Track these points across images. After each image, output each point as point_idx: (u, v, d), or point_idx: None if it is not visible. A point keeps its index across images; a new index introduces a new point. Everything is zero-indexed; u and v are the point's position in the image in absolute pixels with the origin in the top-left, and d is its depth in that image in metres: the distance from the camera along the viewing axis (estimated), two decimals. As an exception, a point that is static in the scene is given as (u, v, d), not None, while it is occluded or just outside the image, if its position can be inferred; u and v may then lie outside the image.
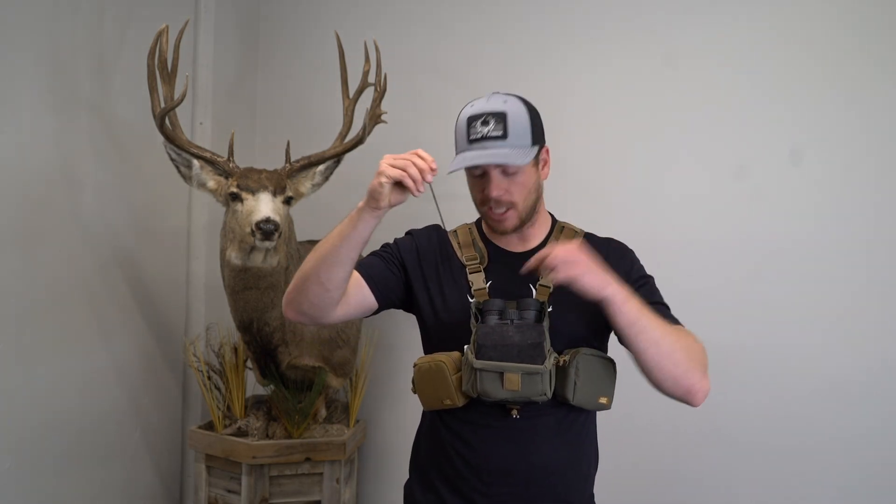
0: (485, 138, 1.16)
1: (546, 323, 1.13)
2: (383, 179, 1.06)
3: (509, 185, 1.20)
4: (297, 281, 1.18)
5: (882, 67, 1.80)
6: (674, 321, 1.19)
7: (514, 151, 1.16)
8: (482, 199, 1.23)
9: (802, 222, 1.87)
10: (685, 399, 1.12)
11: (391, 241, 1.36)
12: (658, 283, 1.28)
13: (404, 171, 1.06)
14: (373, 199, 1.08)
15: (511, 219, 1.22)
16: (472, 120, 1.18)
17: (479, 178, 1.22)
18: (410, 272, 1.30)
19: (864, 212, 1.81)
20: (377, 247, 1.34)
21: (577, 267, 1.06)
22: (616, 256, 1.26)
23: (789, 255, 1.88)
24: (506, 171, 1.19)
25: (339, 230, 1.12)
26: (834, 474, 1.82)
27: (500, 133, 1.16)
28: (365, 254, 1.28)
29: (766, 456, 1.89)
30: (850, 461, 1.81)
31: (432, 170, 1.08)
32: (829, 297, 1.84)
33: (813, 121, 1.86)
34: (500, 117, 1.16)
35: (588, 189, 2.05)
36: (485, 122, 1.17)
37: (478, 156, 1.15)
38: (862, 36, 1.82)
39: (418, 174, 1.06)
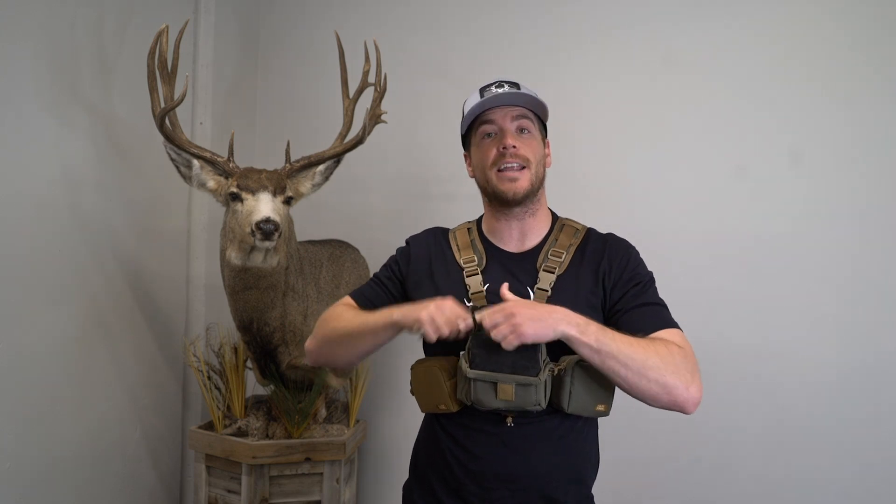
0: (500, 96, 1.23)
1: None
2: (431, 332, 1.09)
3: (523, 142, 1.24)
4: (321, 341, 1.27)
5: (881, 68, 1.80)
6: (666, 323, 1.17)
7: (531, 99, 1.24)
8: (495, 156, 1.24)
9: (802, 222, 1.87)
10: (675, 410, 1.09)
11: (392, 254, 1.39)
12: (658, 283, 1.27)
13: (445, 326, 1.09)
14: (408, 328, 1.14)
15: (524, 178, 1.23)
16: (485, 87, 1.25)
17: (491, 139, 1.26)
18: (408, 280, 1.32)
19: (864, 212, 1.81)
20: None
21: (515, 319, 1.04)
22: (613, 250, 1.26)
23: (789, 256, 1.88)
24: (521, 129, 1.25)
25: (375, 328, 1.19)
26: (836, 473, 1.82)
27: (515, 92, 1.24)
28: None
29: (766, 455, 1.89)
30: (849, 460, 1.81)
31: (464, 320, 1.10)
32: (829, 297, 1.84)
33: (812, 122, 1.87)
34: (514, 84, 1.25)
35: (587, 189, 2.05)
36: (499, 85, 1.24)
37: (496, 98, 1.23)
38: (861, 37, 1.82)
39: (456, 327, 1.09)
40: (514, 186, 1.22)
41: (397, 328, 1.16)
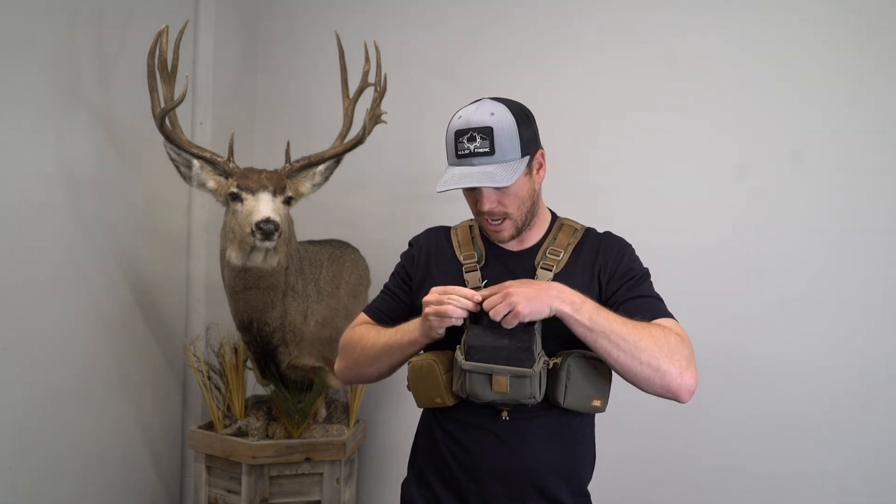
0: (472, 154, 1.17)
1: (538, 325, 1.12)
2: (438, 327, 1.13)
3: (501, 198, 1.20)
4: (351, 364, 1.31)
5: (883, 68, 1.80)
6: (660, 313, 1.17)
7: (500, 169, 1.15)
8: (477, 210, 1.24)
9: (803, 223, 1.87)
10: (669, 397, 1.09)
11: (398, 261, 1.40)
12: (658, 285, 1.27)
13: (452, 314, 1.11)
14: (428, 336, 1.17)
15: (507, 229, 1.23)
16: (459, 135, 1.18)
17: (471, 190, 1.23)
18: (414, 281, 1.34)
19: (865, 213, 1.81)
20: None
21: (512, 298, 1.05)
22: (608, 247, 1.27)
23: (789, 256, 1.88)
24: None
25: (401, 345, 1.22)
26: (838, 473, 1.83)
27: (486, 149, 1.16)
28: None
29: (767, 455, 1.90)
30: (851, 460, 1.81)
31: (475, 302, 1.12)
32: (830, 298, 1.84)
33: (813, 122, 1.86)
34: (487, 132, 1.16)
35: (586, 191, 2.05)
36: (471, 139, 1.17)
37: (465, 174, 1.16)
38: (862, 36, 1.82)
39: (467, 306, 1.11)
40: (499, 236, 1.25)
41: (425, 340, 1.19)
